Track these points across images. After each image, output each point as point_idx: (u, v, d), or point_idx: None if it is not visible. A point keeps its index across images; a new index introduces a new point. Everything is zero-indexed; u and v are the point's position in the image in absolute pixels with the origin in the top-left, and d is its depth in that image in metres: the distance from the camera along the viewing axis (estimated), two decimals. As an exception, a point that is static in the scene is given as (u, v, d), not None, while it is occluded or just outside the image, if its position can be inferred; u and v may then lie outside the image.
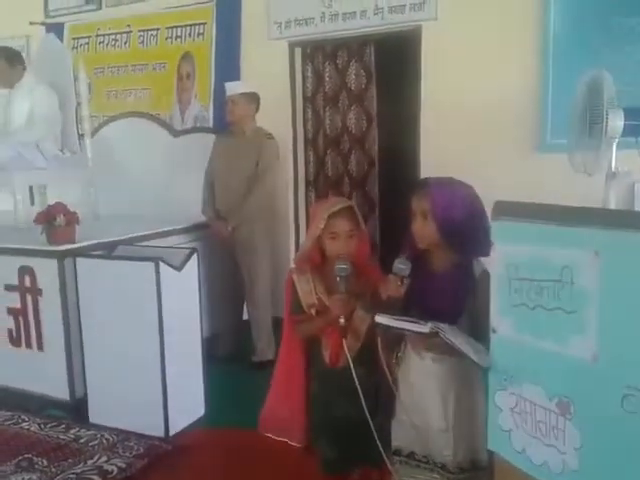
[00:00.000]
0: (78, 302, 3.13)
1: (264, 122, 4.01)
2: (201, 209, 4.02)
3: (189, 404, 3.18)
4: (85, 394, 3.21)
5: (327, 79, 4.74)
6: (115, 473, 2.69)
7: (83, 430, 3.08)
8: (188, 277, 3.11)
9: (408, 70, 4.32)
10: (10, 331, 3.37)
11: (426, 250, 1.86)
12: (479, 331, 1.71)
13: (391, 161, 4.73)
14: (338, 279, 1.97)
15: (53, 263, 3.15)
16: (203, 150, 4.09)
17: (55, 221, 3.16)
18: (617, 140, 2.73)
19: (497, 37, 3.85)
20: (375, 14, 4.24)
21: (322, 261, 2.11)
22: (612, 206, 2.79)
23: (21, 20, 5.72)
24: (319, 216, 2.05)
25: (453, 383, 1.82)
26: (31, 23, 5.74)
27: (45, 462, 2.78)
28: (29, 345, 3.33)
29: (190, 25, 5.13)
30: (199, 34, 5.10)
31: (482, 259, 1.81)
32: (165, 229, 3.79)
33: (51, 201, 3.52)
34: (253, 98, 3.92)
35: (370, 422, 1.87)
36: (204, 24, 5.06)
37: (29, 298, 3.27)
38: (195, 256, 3.15)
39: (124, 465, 2.74)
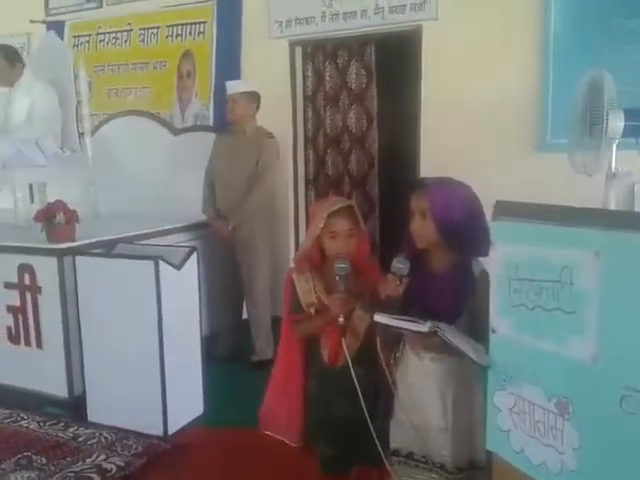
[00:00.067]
0: (77, 300, 3.13)
1: (264, 121, 4.01)
2: (201, 208, 4.02)
3: (188, 403, 3.18)
4: (84, 392, 3.21)
5: (327, 78, 4.74)
6: (114, 472, 2.68)
7: (82, 428, 3.08)
8: (188, 276, 3.11)
9: (408, 70, 4.32)
10: (9, 329, 3.37)
11: (425, 250, 1.86)
12: (478, 331, 1.71)
13: (391, 161, 4.73)
14: (337, 278, 1.97)
15: (53, 261, 3.15)
16: (203, 149, 4.09)
17: (55, 219, 3.16)
18: (617, 141, 2.73)
19: (498, 37, 3.85)
20: (376, 14, 4.24)
21: (322, 260, 2.10)
22: (612, 207, 2.79)
23: (22, 18, 5.72)
24: (319, 215, 2.04)
25: (451, 383, 1.82)
26: (32, 21, 5.74)
27: (44, 460, 2.78)
28: (28, 343, 3.33)
29: (191, 24, 5.14)
30: (200, 33, 5.10)
31: (481, 259, 1.81)
32: (165, 228, 3.79)
33: (51, 199, 3.52)
34: (254, 97, 3.92)
35: (369, 422, 1.87)
36: (205, 23, 5.06)
37: (28, 296, 3.27)
38: (195, 255, 3.15)
39: (123, 464, 2.74)
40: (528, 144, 3.86)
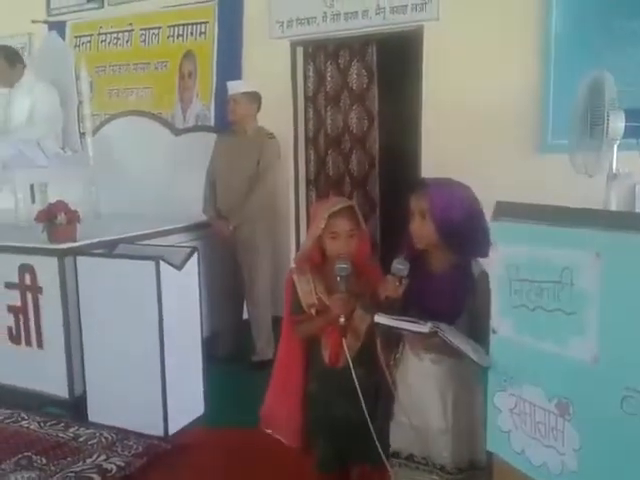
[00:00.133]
0: (78, 300, 3.13)
1: (265, 121, 4.01)
2: (202, 208, 4.03)
3: (188, 403, 3.18)
4: (84, 392, 3.21)
5: (329, 79, 4.75)
6: (114, 472, 2.69)
7: (82, 429, 3.09)
8: (188, 276, 3.11)
9: (410, 70, 4.32)
10: (10, 329, 3.37)
11: (424, 250, 1.86)
12: (478, 332, 1.71)
13: (392, 161, 4.73)
14: (338, 279, 1.96)
15: (54, 261, 3.15)
16: (204, 149, 4.10)
17: (56, 219, 3.16)
18: (618, 141, 2.73)
19: (499, 37, 3.85)
20: (377, 14, 4.24)
21: (322, 261, 2.10)
22: (613, 207, 2.80)
23: (23, 18, 5.73)
24: (320, 216, 2.04)
25: (452, 384, 1.82)
26: (33, 21, 5.75)
27: (44, 460, 2.78)
28: (29, 343, 3.33)
29: (192, 24, 5.14)
30: (201, 33, 5.10)
31: (480, 260, 1.81)
32: (166, 228, 3.80)
33: (52, 199, 3.52)
34: (255, 97, 3.92)
35: (369, 422, 1.87)
36: (206, 23, 5.06)
37: (29, 296, 3.27)
38: (196, 255, 3.15)
39: (123, 464, 2.74)
40: (529, 145, 3.86)
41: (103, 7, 5.62)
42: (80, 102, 4.35)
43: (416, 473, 1.88)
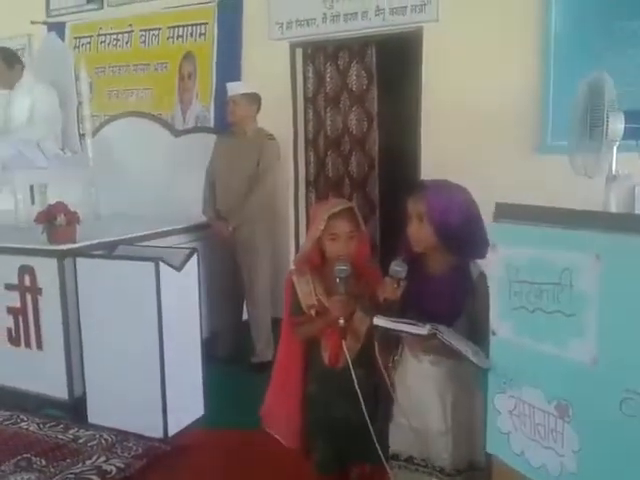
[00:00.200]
0: (78, 302, 3.13)
1: (265, 122, 4.01)
2: (202, 209, 4.03)
3: (188, 405, 3.18)
4: (84, 394, 3.21)
5: (328, 80, 4.75)
6: (114, 473, 2.68)
7: (82, 430, 3.08)
8: (188, 277, 3.11)
9: (409, 71, 4.32)
10: (9, 330, 3.37)
11: (422, 252, 1.86)
12: (477, 334, 1.71)
13: (392, 162, 4.73)
14: (338, 280, 1.97)
15: (53, 262, 3.15)
16: (204, 150, 4.10)
17: (56, 220, 3.16)
18: (618, 143, 2.73)
19: (498, 38, 3.85)
20: (376, 15, 4.24)
21: (322, 262, 2.10)
22: (613, 209, 2.79)
23: (23, 19, 5.73)
24: (319, 217, 2.04)
25: (451, 385, 1.82)
26: (32, 22, 5.75)
27: (44, 462, 2.78)
28: (28, 344, 3.33)
29: (192, 25, 5.14)
30: (201, 34, 5.11)
31: (478, 261, 1.81)
32: (165, 229, 3.80)
33: (52, 200, 3.52)
34: (254, 99, 3.92)
35: (369, 423, 1.87)
36: (206, 24, 5.06)
37: (29, 297, 3.27)
38: (195, 256, 3.15)
39: (123, 465, 2.74)
40: (528, 145, 3.86)
41: (103, 8, 5.61)
42: (80, 103, 4.35)
43: (416, 475, 1.88)
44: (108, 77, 5.62)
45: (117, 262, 3.12)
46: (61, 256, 3.15)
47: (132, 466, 2.74)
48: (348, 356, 1.95)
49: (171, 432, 3.03)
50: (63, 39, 5.49)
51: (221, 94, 4.50)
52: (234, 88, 3.95)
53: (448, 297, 1.80)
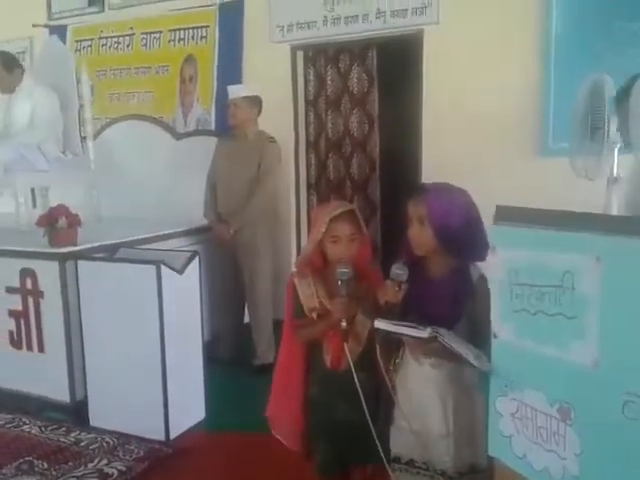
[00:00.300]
0: (79, 304, 3.13)
1: (266, 125, 4.02)
2: (203, 212, 4.03)
3: (190, 407, 3.18)
4: (85, 397, 3.21)
5: (329, 82, 4.75)
6: (115, 476, 2.69)
7: (84, 433, 3.09)
8: (189, 280, 3.11)
9: (410, 74, 4.32)
10: (11, 333, 3.38)
11: (423, 256, 1.86)
12: (477, 336, 1.71)
13: (393, 164, 4.73)
14: (339, 283, 1.97)
15: (55, 265, 3.16)
16: (205, 153, 4.10)
17: (57, 223, 3.17)
18: (619, 145, 2.72)
19: (499, 41, 3.86)
20: (377, 18, 4.25)
21: (323, 265, 2.10)
22: (614, 212, 2.78)
23: (24, 22, 5.74)
24: (320, 220, 2.04)
25: (452, 388, 1.82)
26: (34, 25, 5.76)
27: (45, 465, 2.78)
28: (30, 347, 3.33)
29: (193, 28, 5.15)
30: (202, 37, 5.11)
31: (479, 264, 1.81)
32: (167, 232, 3.80)
33: (53, 203, 3.53)
34: (255, 101, 3.92)
35: (371, 426, 1.87)
36: (207, 27, 5.07)
37: (30, 300, 3.28)
38: (197, 259, 3.15)
39: (124, 468, 2.74)
40: (529, 148, 3.86)
41: (104, 11, 5.63)
42: (81, 106, 4.36)
43: (417, 478, 1.88)
44: (109, 80, 5.63)
45: (118, 265, 3.12)
46: (62, 259, 3.15)
47: (134, 469, 2.74)
48: (350, 359, 1.95)
49: (173, 435, 3.04)
50: (64, 42, 5.49)
51: (222, 97, 4.51)
52: (235, 91, 3.96)
53: (449, 300, 1.80)
